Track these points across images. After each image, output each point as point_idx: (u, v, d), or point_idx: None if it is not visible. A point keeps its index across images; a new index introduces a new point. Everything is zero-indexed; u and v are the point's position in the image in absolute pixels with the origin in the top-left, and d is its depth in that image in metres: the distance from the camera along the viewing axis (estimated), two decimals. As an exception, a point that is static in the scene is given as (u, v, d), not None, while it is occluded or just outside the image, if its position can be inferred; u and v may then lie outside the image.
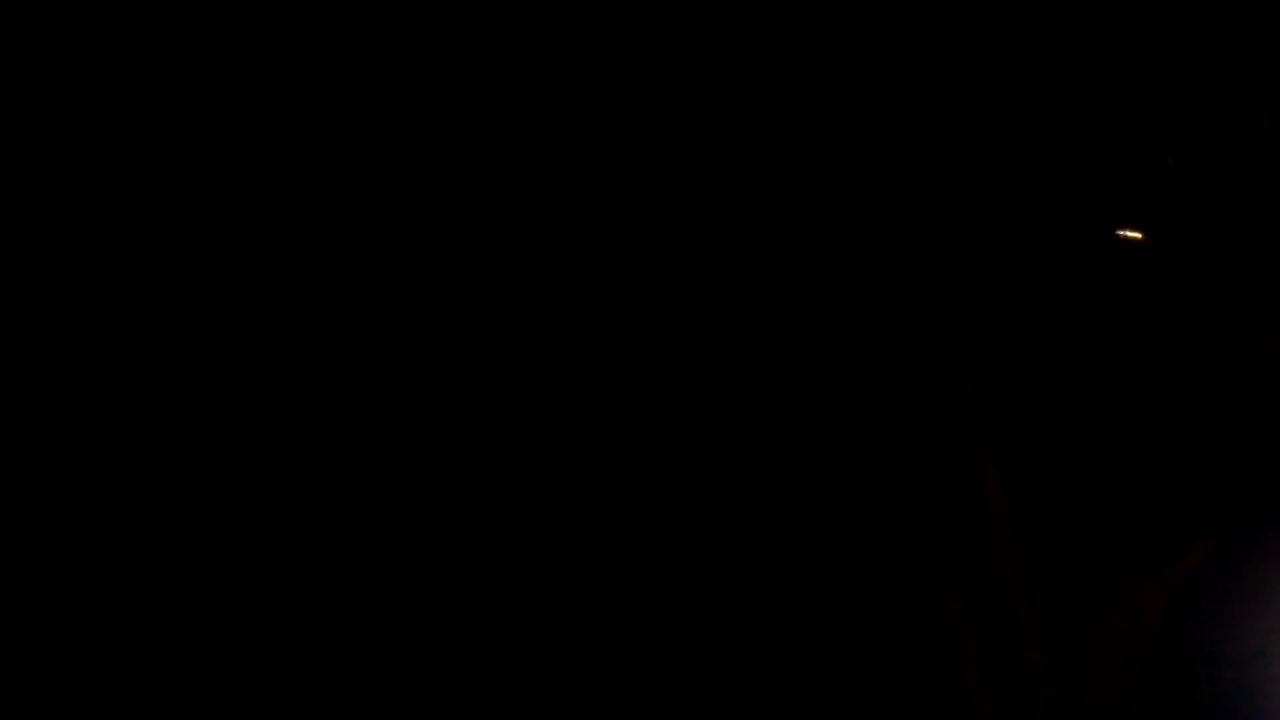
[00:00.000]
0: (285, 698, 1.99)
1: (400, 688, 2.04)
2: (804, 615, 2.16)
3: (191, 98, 2.01)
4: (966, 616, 2.13)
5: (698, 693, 2.13)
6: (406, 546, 2.06)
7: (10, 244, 1.93)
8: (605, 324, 2.15)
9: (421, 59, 2.10)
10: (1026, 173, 2.19)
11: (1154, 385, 2.12)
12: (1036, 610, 2.07)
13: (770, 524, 2.17)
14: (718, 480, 2.17)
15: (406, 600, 2.05)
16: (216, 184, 2.03)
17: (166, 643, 1.96)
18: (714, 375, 2.18)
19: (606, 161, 2.16)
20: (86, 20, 1.95)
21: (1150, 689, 1.97)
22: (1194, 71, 2.15)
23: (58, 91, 1.96)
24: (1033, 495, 2.14)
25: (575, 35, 2.13)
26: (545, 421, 2.12)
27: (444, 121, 2.12)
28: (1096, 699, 2.02)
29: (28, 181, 1.94)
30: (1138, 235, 2.15)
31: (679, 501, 2.15)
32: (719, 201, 2.19)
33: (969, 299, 2.16)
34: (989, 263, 2.18)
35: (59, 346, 1.96)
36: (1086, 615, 2.06)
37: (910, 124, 2.15)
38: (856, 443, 2.20)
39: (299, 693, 1.99)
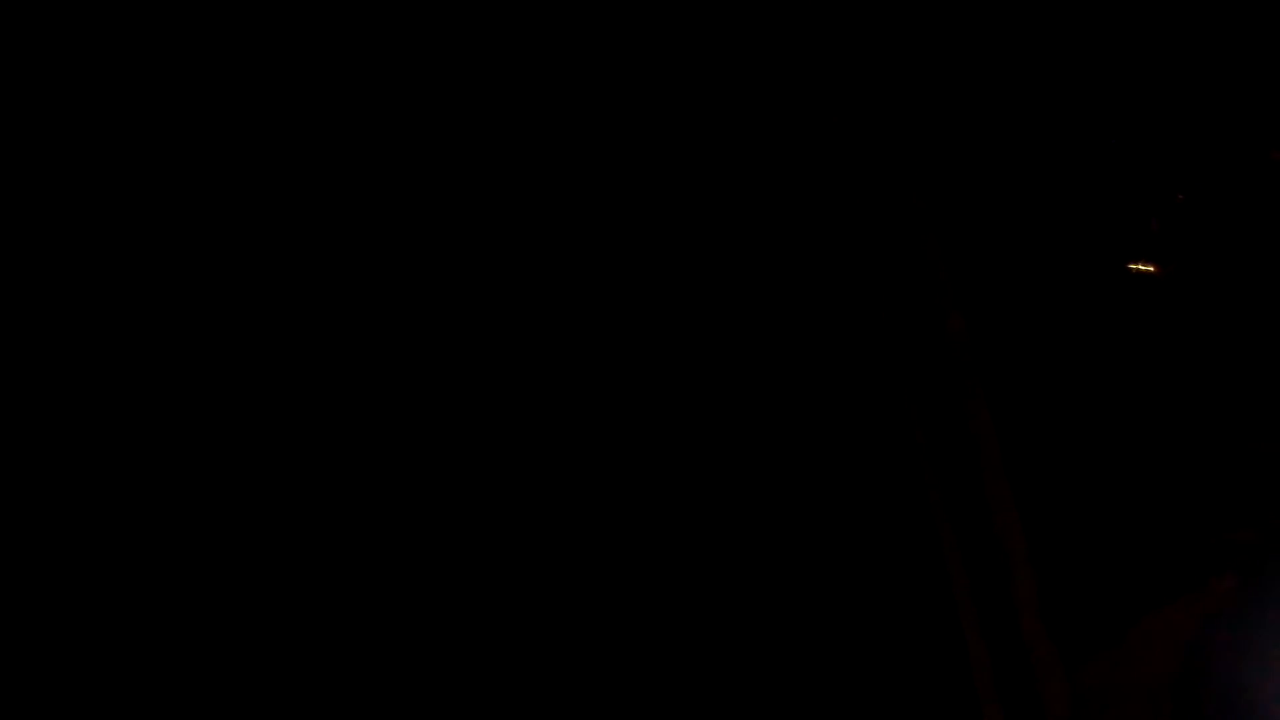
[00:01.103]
0: (285, 698, 1.97)
1: (400, 688, 2.02)
2: (819, 654, 2.14)
3: (192, 98, 2.03)
4: (986, 654, 2.11)
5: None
6: (406, 546, 2.05)
7: (10, 244, 1.94)
8: (621, 348, 2.16)
9: (422, 59, 2.12)
10: (1039, 207, 2.21)
11: (1172, 416, 2.11)
12: (1057, 646, 2.05)
13: (785, 560, 2.16)
14: (729, 515, 2.16)
15: (406, 600, 2.03)
16: (217, 185, 2.05)
17: (166, 643, 1.95)
18: (723, 407, 2.18)
19: (609, 177, 2.18)
20: (86, 20, 1.97)
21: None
22: (1205, 108, 2.17)
23: (58, 92, 1.98)
24: (1051, 529, 2.12)
25: (580, 37, 2.16)
26: (566, 427, 2.12)
27: (444, 123, 2.14)
28: (1120, 736, 1.99)
29: (28, 182, 1.96)
30: (1150, 268, 2.16)
31: (684, 535, 2.14)
32: (733, 234, 2.21)
33: (983, 331, 2.17)
34: (1003, 296, 2.19)
35: (59, 346, 1.97)
36: (1108, 650, 2.03)
37: (923, 157, 2.18)
38: (872, 477, 2.19)
39: (299, 693, 1.97)
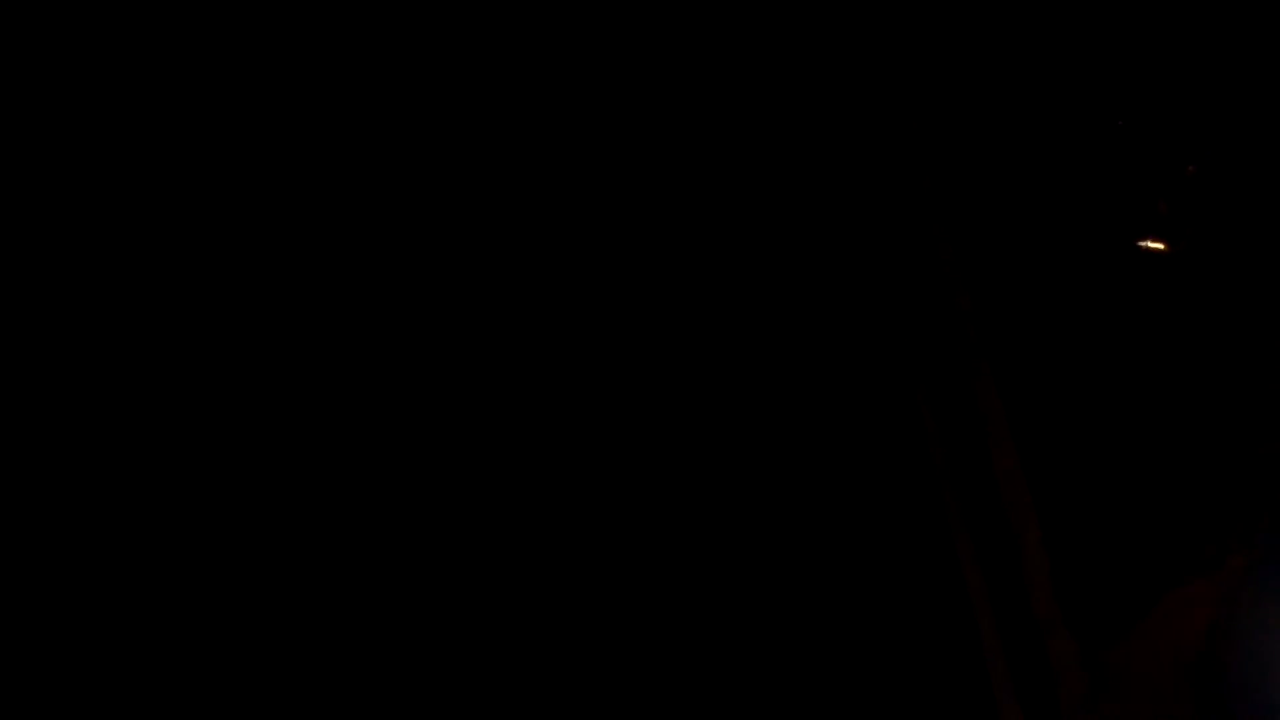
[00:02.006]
0: (285, 698, 1.95)
1: (400, 688, 2.00)
2: (827, 637, 2.11)
3: (192, 98, 2.04)
4: (999, 641, 2.07)
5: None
6: (406, 547, 2.04)
7: (10, 244, 1.95)
8: (632, 352, 2.15)
9: (422, 59, 2.12)
10: (1045, 182, 2.19)
11: (1185, 394, 2.08)
12: (1074, 628, 2.01)
13: (791, 543, 2.13)
14: (736, 506, 2.14)
15: (406, 600, 2.02)
16: (217, 185, 2.05)
17: (166, 643, 1.94)
18: (729, 392, 2.17)
19: (614, 171, 2.17)
20: (86, 20, 1.98)
21: (1193, 706, 1.90)
22: (1215, 80, 2.15)
23: (58, 92, 1.99)
24: (1064, 510, 2.09)
25: (586, 36, 2.16)
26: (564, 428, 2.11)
27: (445, 123, 2.14)
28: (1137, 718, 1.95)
29: (28, 182, 1.96)
30: (1160, 245, 2.14)
31: (688, 521, 2.12)
32: (738, 216, 2.19)
33: (991, 311, 2.14)
34: (1012, 274, 2.17)
35: (59, 347, 1.97)
36: (1126, 631, 2.00)
37: (928, 136, 2.16)
38: (880, 461, 2.16)
39: (299, 693, 1.96)
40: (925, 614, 2.09)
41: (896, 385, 2.15)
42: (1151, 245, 2.14)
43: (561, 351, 2.14)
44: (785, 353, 2.18)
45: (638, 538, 2.10)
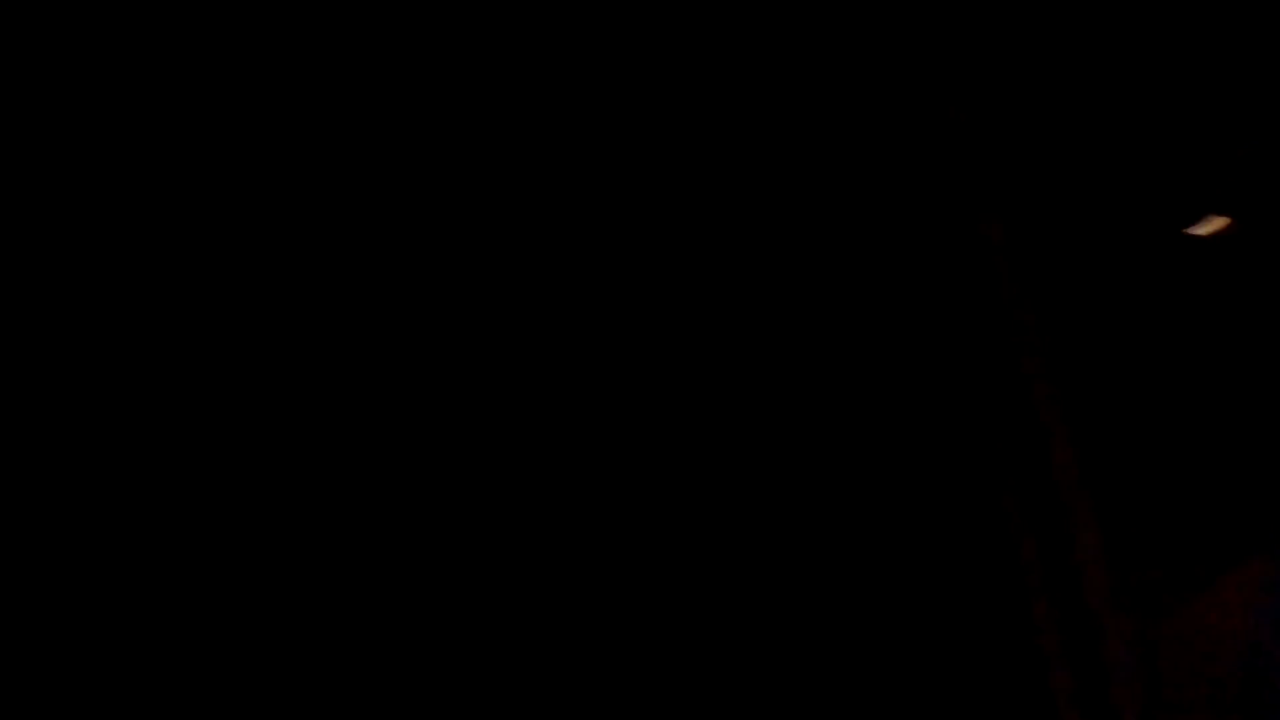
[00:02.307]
0: (285, 698, 1.94)
1: (400, 688, 1.99)
2: (884, 622, 2.13)
3: (192, 98, 2.01)
4: (1053, 619, 2.09)
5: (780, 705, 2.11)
6: (406, 547, 2.03)
7: (10, 244, 1.92)
8: (674, 328, 2.17)
9: (424, 59, 2.10)
10: (1094, 166, 2.18)
11: (1241, 376, 2.08)
12: (1124, 609, 2.03)
13: (850, 531, 2.16)
14: (795, 494, 2.16)
15: (406, 600, 2.01)
16: (216, 184, 2.03)
17: (166, 643, 1.92)
18: (782, 383, 2.18)
19: (666, 157, 2.17)
20: (86, 20, 1.96)
21: (1241, 687, 1.92)
22: (1266, 61, 2.12)
23: (58, 91, 1.97)
24: (1117, 492, 2.10)
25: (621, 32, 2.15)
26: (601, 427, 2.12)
27: (445, 123, 2.11)
28: (1187, 698, 1.97)
29: (28, 182, 1.94)
30: (1215, 227, 2.12)
31: (737, 508, 2.14)
32: (785, 206, 2.20)
33: (1042, 293, 2.14)
34: (1063, 257, 2.16)
35: (59, 347, 1.94)
36: (1176, 613, 2.01)
37: (976, 119, 2.16)
38: (935, 446, 2.17)
39: (299, 693, 1.95)
40: (979, 595, 2.11)
41: (951, 371, 2.16)
42: (1204, 228, 2.12)
43: (596, 352, 2.14)
44: (845, 342, 2.19)
45: (691, 518, 2.13)
